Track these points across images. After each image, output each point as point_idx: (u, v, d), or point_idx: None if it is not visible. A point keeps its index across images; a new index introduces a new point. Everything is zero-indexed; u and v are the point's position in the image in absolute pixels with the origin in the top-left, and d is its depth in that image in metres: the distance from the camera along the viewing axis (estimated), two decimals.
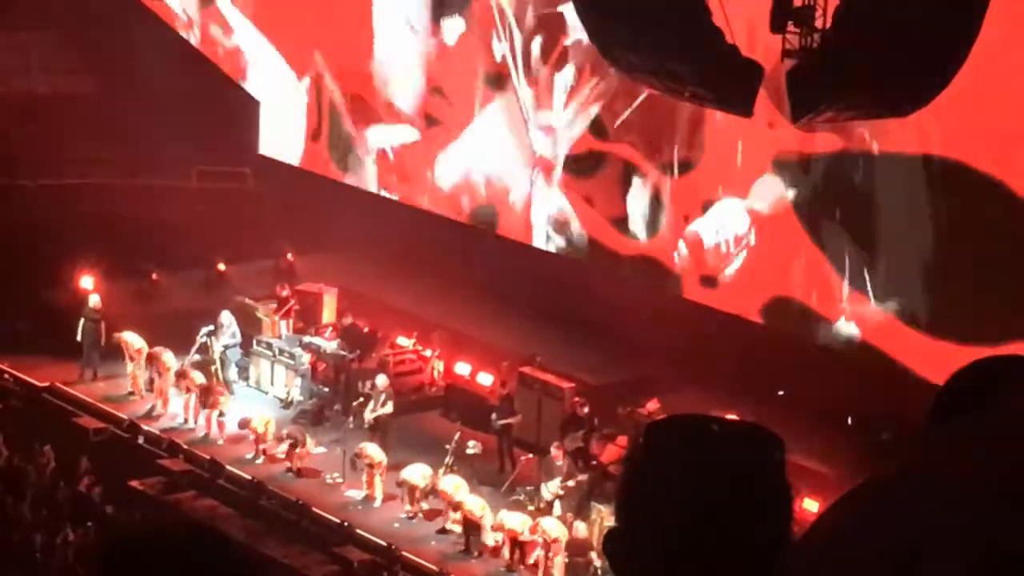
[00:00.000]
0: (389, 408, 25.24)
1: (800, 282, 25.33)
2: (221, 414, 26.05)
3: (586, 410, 24.70)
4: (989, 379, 1.77)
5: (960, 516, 1.59)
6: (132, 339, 27.22)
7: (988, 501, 1.60)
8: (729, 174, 26.10)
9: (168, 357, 26.76)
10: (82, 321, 27.54)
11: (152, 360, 26.88)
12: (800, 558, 1.72)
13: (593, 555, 21.92)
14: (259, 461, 25.29)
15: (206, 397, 26.08)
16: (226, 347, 27.19)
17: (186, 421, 26.41)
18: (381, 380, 25.55)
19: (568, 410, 25.08)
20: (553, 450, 23.71)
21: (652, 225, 27.23)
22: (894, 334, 24.14)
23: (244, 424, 25.45)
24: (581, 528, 22.40)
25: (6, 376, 27.19)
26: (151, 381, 26.96)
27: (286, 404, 26.72)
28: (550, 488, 23.23)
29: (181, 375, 26.49)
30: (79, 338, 27.48)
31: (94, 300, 27.82)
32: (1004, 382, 1.74)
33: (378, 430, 25.00)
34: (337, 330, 28.17)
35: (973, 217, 23.00)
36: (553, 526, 22.19)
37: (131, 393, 27.22)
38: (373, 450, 24.28)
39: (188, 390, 26.42)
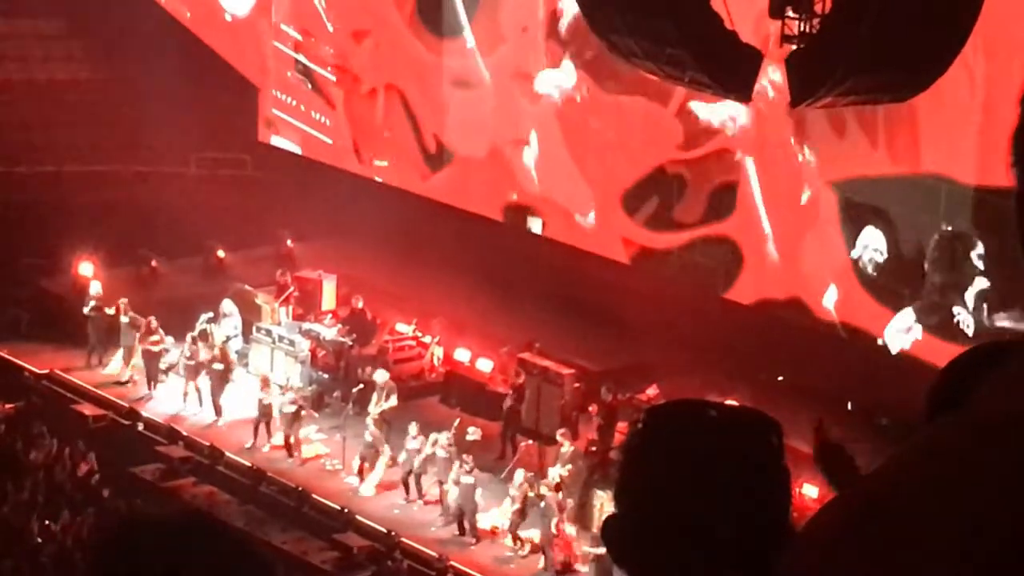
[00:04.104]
0: (394, 402, 25.20)
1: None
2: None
3: (610, 397, 24.72)
4: (974, 371, 1.77)
5: (952, 517, 1.60)
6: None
7: (975, 499, 1.60)
8: None
9: (166, 339, 26.79)
10: (87, 310, 27.50)
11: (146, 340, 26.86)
12: (796, 561, 1.73)
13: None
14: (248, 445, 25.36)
15: (220, 382, 26.08)
16: (228, 337, 27.15)
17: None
18: (382, 375, 25.45)
19: (576, 396, 25.11)
20: (559, 437, 23.73)
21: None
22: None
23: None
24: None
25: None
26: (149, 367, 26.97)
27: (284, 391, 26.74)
28: (553, 474, 23.18)
29: (191, 357, 26.48)
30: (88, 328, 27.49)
31: (95, 288, 27.78)
32: (988, 371, 1.75)
33: (383, 424, 24.95)
34: (338, 316, 28.17)
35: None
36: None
37: (126, 382, 27.16)
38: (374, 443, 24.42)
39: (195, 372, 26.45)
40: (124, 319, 27.15)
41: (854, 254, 24.48)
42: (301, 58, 32.15)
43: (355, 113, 31.72)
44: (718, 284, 26.41)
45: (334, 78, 31.85)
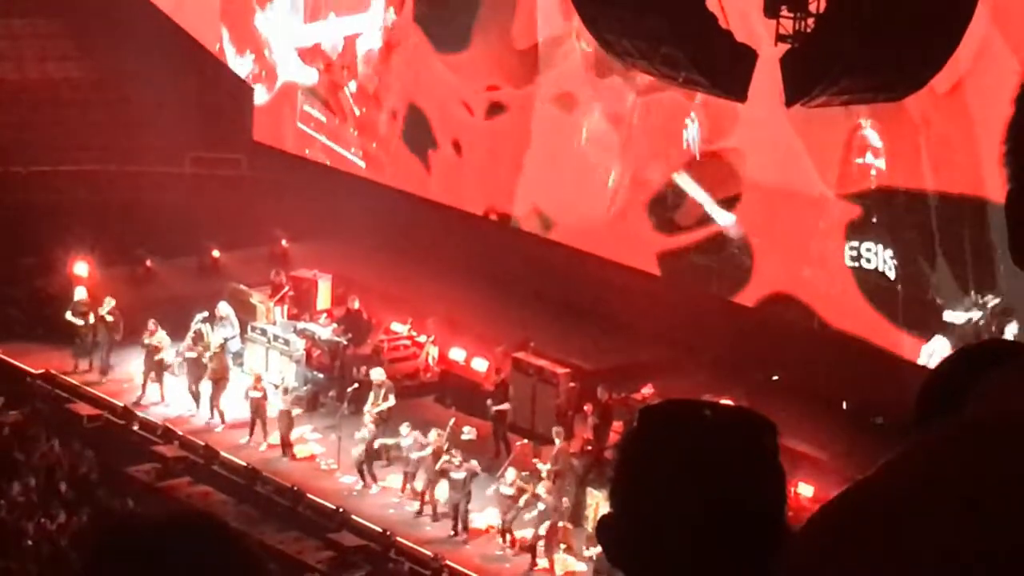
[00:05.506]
0: (392, 401, 25.16)
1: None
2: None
3: (606, 396, 24.72)
4: (967, 371, 1.77)
5: (952, 518, 1.60)
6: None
7: (975, 501, 1.60)
8: None
9: (164, 340, 26.75)
10: (69, 313, 27.43)
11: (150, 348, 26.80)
12: (794, 562, 1.73)
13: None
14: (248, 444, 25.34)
15: (218, 387, 26.05)
16: (226, 339, 27.09)
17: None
18: (379, 374, 25.42)
19: (571, 395, 25.09)
20: (553, 434, 23.73)
21: None
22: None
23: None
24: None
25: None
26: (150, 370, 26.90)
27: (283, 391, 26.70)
28: (542, 472, 23.17)
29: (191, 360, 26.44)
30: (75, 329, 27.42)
31: (80, 293, 27.67)
32: (981, 372, 1.75)
33: (381, 423, 24.91)
34: (333, 316, 28.15)
35: None
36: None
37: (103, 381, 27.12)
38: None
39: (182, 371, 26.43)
40: (109, 318, 27.06)
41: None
42: (323, 137, 32.06)
43: (372, 133, 31.57)
44: (727, 287, 26.26)
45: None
